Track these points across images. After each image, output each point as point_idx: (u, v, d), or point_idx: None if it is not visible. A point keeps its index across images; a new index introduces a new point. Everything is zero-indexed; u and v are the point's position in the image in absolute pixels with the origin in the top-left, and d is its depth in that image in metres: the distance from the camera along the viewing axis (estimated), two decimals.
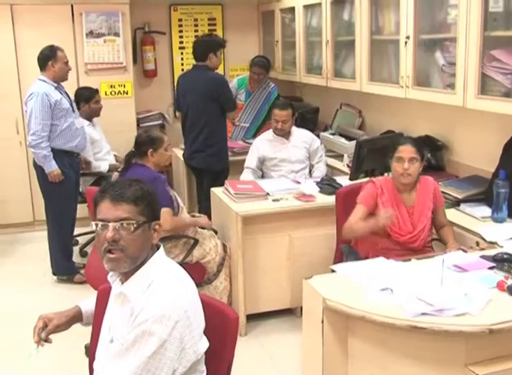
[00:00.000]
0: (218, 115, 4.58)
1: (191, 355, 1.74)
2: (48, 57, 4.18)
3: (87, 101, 4.80)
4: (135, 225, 1.75)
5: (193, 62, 4.67)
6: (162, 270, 1.81)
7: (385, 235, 3.02)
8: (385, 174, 3.84)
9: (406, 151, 2.98)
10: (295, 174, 4.26)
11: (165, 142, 3.50)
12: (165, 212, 3.11)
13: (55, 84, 4.21)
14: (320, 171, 4.35)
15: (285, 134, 4.32)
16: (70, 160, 4.32)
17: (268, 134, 4.40)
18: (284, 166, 4.29)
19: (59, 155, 4.20)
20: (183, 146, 5.10)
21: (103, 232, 1.74)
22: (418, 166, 3.01)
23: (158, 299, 1.72)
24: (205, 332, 1.84)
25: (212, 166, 4.60)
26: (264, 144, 4.34)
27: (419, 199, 3.05)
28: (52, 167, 4.17)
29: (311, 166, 4.44)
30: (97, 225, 1.76)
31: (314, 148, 4.40)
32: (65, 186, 4.26)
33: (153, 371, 1.67)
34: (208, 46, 4.56)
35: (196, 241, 3.52)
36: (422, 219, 3.03)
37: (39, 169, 4.27)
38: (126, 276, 1.80)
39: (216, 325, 1.90)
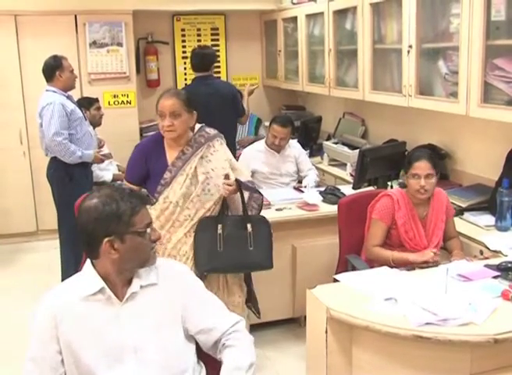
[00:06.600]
0: (235, 119, 4.68)
1: None
2: (54, 67, 4.12)
3: (87, 107, 4.72)
4: None
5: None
6: None
7: (399, 247, 2.99)
8: (389, 183, 3.84)
9: (422, 168, 2.90)
10: (285, 186, 4.21)
11: None
12: None
13: (66, 94, 4.17)
14: (311, 178, 4.20)
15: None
16: (86, 171, 4.24)
17: (259, 145, 4.32)
18: (274, 179, 4.25)
19: (76, 165, 4.11)
20: None
21: None
22: (434, 181, 2.95)
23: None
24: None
25: None
26: (254, 157, 4.23)
27: (433, 212, 3.01)
28: (90, 154, 4.13)
29: (300, 178, 4.32)
30: None
31: (301, 159, 4.34)
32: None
33: None
34: (211, 58, 4.62)
35: None
36: (437, 232, 2.99)
37: (54, 183, 4.19)
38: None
39: None
